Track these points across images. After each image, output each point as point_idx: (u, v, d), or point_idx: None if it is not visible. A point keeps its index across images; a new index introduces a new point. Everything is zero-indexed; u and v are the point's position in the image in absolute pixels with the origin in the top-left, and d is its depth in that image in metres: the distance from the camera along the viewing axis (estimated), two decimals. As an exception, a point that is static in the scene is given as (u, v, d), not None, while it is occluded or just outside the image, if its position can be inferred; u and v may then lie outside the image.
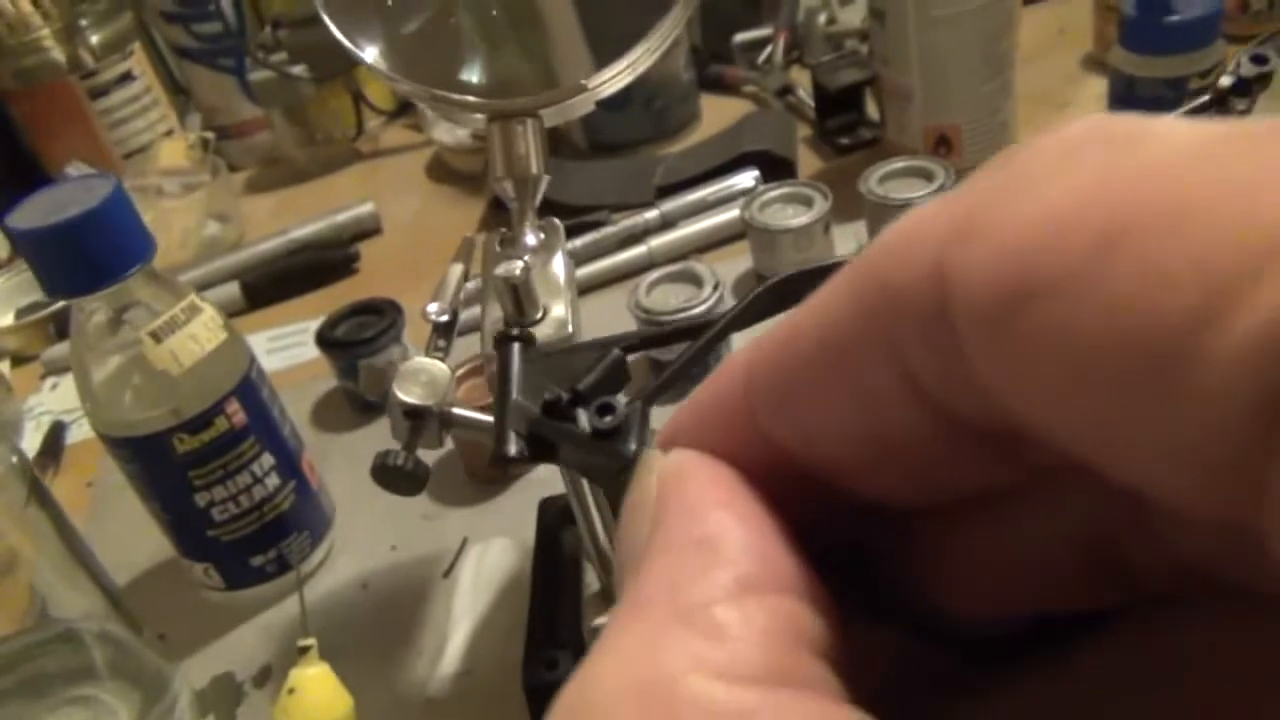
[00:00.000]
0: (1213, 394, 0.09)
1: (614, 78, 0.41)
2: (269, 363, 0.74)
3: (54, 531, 0.45)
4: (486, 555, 0.57)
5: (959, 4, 0.69)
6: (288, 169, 1.04)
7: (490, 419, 0.43)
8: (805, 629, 0.12)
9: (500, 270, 0.36)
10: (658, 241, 0.76)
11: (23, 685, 0.45)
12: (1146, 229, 0.10)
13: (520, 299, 0.37)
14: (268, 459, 0.55)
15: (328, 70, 0.98)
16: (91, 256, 0.47)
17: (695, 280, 0.64)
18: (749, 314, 0.23)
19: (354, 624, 0.56)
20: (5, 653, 0.45)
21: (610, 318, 0.65)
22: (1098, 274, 0.10)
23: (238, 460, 0.53)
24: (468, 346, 0.64)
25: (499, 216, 0.87)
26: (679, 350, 0.26)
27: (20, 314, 0.90)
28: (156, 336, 0.49)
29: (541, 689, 0.45)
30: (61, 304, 0.84)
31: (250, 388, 0.54)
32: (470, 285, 0.47)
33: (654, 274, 0.66)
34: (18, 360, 0.87)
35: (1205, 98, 0.56)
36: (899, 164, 0.67)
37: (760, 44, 0.98)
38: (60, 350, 0.83)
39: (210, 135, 0.98)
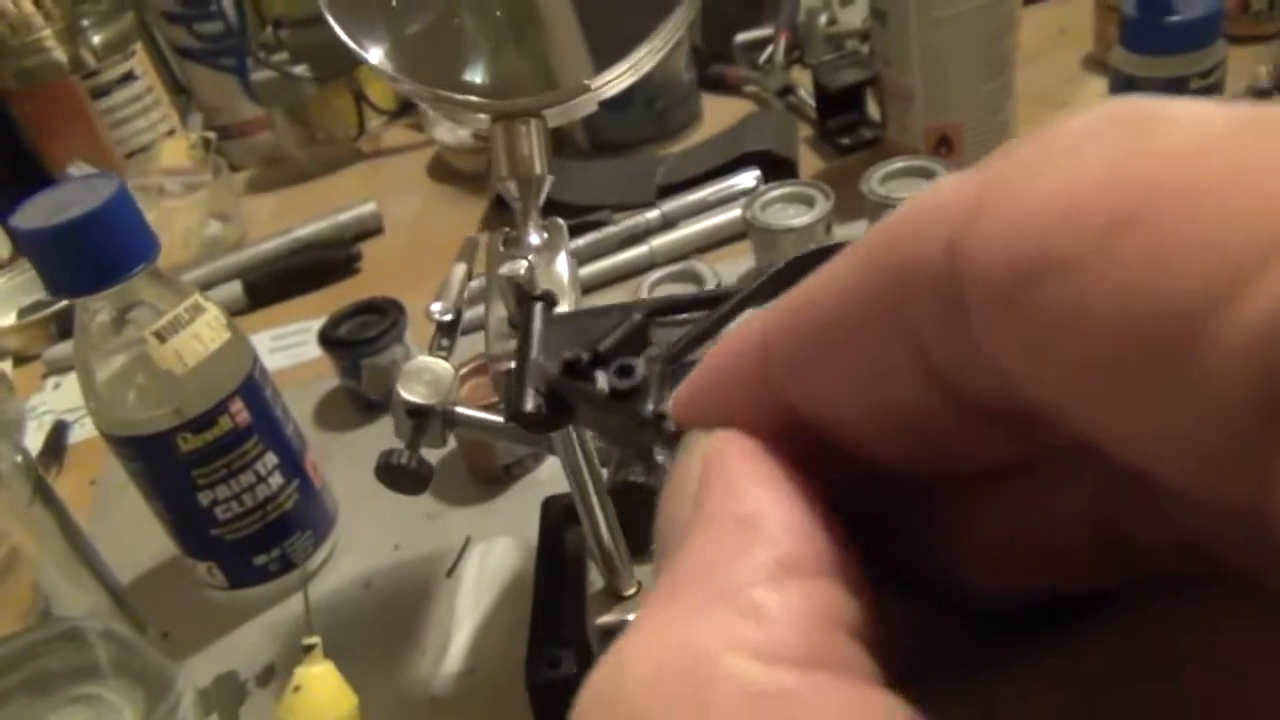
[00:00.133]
0: (1219, 379, 0.09)
1: (617, 78, 0.41)
2: (271, 362, 0.74)
3: (58, 530, 0.45)
4: (489, 554, 0.57)
5: (960, 4, 0.69)
6: (289, 169, 1.04)
7: (494, 419, 0.44)
8: (842, 611, 0.12)
9: (504, 269, 0.36)
10: (659, 241, 0.77)
11: (27, 684, 0.46)
12: (1158, 212, 0.10)
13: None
14: (271, 458, 0.55)
15: (329, 70, 0.98)
16: (95, 256, 0.47)
17: (697, 280, 0.65)
18: (772, 287, 0.23)
19: (357, 623, 0.56)
20: (9, 651, 0.45)
21: (612, 317, 0.65)
22: (1108, 255, 0.10)
23: (241, 459, 0.53)
24: (471, 346, 0.64)
25: (500, 216, 0.87)
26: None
27: (22, 313, 0.90)
28: (160, 336, 0.50)
29: (545, 688, 0.45)
30: (64, 303, 0.84)
31: (254, 387, 0.54)
32: (473, 285, 0.47)
33: (656, 274, 0.66)
34: (20, 360, 0.87)
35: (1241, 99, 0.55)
36: (900, 164, 0.67)
37: (761, 44, 0.98)
38: (62, 350, 0.84)
39: (212, 135, 0.98)
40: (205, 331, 0.51)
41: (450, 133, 0.95)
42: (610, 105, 0.43)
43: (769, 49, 0.97)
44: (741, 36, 0.99)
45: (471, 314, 0.66)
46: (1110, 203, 0.10)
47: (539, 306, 0.30)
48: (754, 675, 0.11)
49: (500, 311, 0.38)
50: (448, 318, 0.44)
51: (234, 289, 0.85)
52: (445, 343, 0.44)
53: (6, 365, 0.85)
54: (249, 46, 1.01)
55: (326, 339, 0.67)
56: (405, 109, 1.07)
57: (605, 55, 0.41)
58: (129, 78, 1.00)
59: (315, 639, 0.47)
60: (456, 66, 0.40)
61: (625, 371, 0.21)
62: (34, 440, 0.76)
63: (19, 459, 0.44)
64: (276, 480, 0.55)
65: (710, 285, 0.63)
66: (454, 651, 0.53)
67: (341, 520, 0.61)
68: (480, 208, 0.90)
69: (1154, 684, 0.13)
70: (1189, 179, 0.10)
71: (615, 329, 0.27)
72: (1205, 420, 0.09)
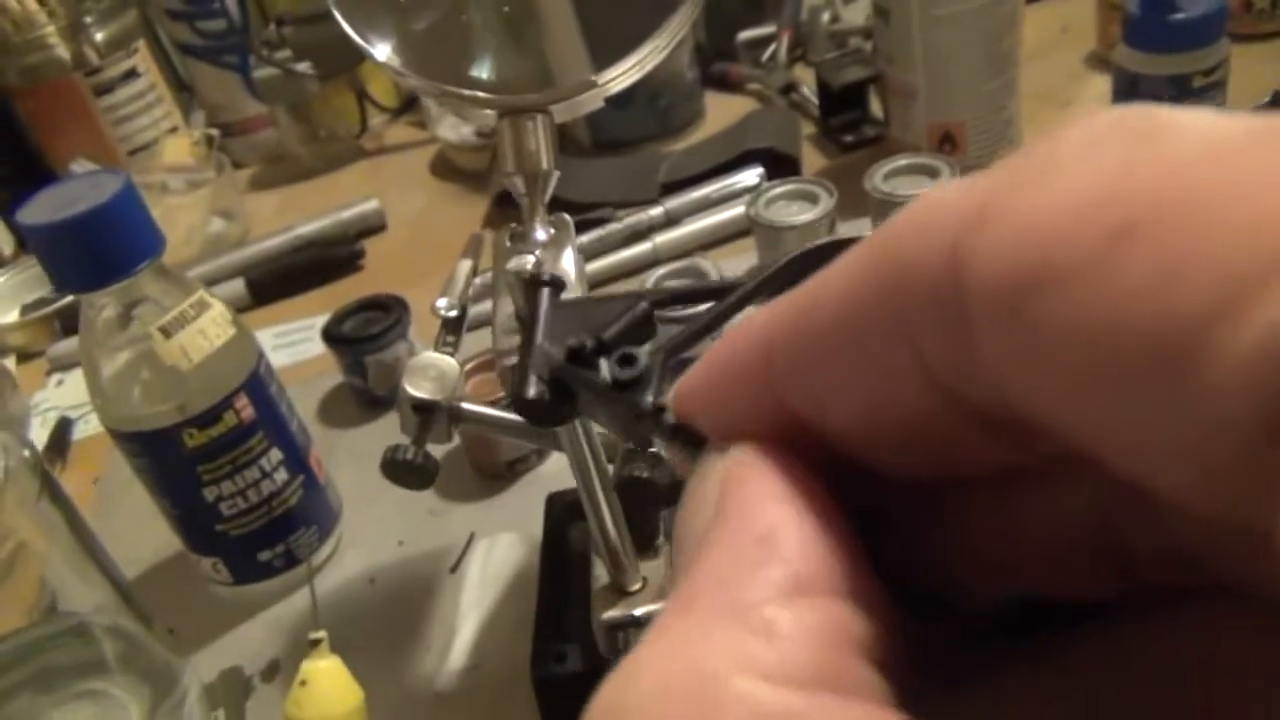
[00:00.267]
0: (1220, 395, 0.09)
1: (623, 74, 0.41)
2: (274, 359, 0.74)
3: (65, 525, 0.45)
4: (494, 550, 0.57)
5: (963, 2, 0.69)
6: (292, 166, 1.04)
7: (500, 415, 0.44)
8: (854, 629, 0.12)
9: (512, 265, 0.36)
10: (662, 238, 0.77)
11: (33, 678, 0.46)
12: (1162, 224, 0.10)
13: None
14: (276, 454, 0.55)
15: (332, 67, 0.98)
16: (101, 252, 0.47)
17: (700, 277, 0.65)
18: (779, 279, 0.23)
19: (361, 619, 0.56)
20: (16, 646, 0.45)
21: (616, 314, 0.65)
22: (1110, 267, 0.10)
23: (246, 455, 0.53)
24: (476, 342, 0.64)
25: (503, 213, 0.88)
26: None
27: (25, 310, 0.91)
28: (166, 332, 0.50)
29: (550, 683, 0.45)
30: (67, 300, 0.84)
31: (259, 383, 0.54)
32: (478, 281, 0.47)
33: (659, 271, 0.66)
34: (23, 357, 0.87)
35: (1265, 100, 0.55)
36: (903, 161, 0.67)
37: (764, 42, 0.98)
38: (66, 346, 0.84)
39: (215, 132, 0.98)
40: (210, 327, 0.51)
41: (453, 130, 0.95)
42: (613, 103, 0.43)
43: (772, 47, 0.97)
44: (744, 34, 1.00)
45: (477, 310, 0.66)
46: (1113, 214, 0.10)
47: (546, 291, 0.30)
48: (762, 697, 0.11)
49: (507, 307, 0.38)
50: (453, 313, 0.44)
51: (237, 286, 0.85)
52: (451, 339, 0.44)
53: (10, 362, 0.85)
54: (252, 44, 1.01)
55: (330, 336, 0.67)
56: (408, 106, 1.07)
57: (611, 52, 0.41)
58: (132, 75, 1.00)
59: (322, 633, 0.47)
60: (463, 62, 0.40)
61: (627, 361, 0.21)
62: (37, 437, 0.76)
63: (26, 454, 0.44)
64: (281, 476, 0.55)
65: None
66: (458, 647, 0.53)
67: (345, 516, 0.61)
68: (483, 205, 0.90)
69: (1153, 693, 0.13)
70: (1193, 190, 0.10)
71: (621, 317, 0.27)
72: (1206, 436, 0.09)
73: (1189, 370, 0.09)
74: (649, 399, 0.21)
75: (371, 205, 0.91)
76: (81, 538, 0.46)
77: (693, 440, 0.15)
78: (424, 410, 0.42)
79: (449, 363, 0.43)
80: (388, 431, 0.67)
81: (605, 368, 0.22)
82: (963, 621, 0.15)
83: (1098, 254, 0.10)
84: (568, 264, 0.39)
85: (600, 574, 0.48)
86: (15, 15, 0.94)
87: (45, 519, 0.44)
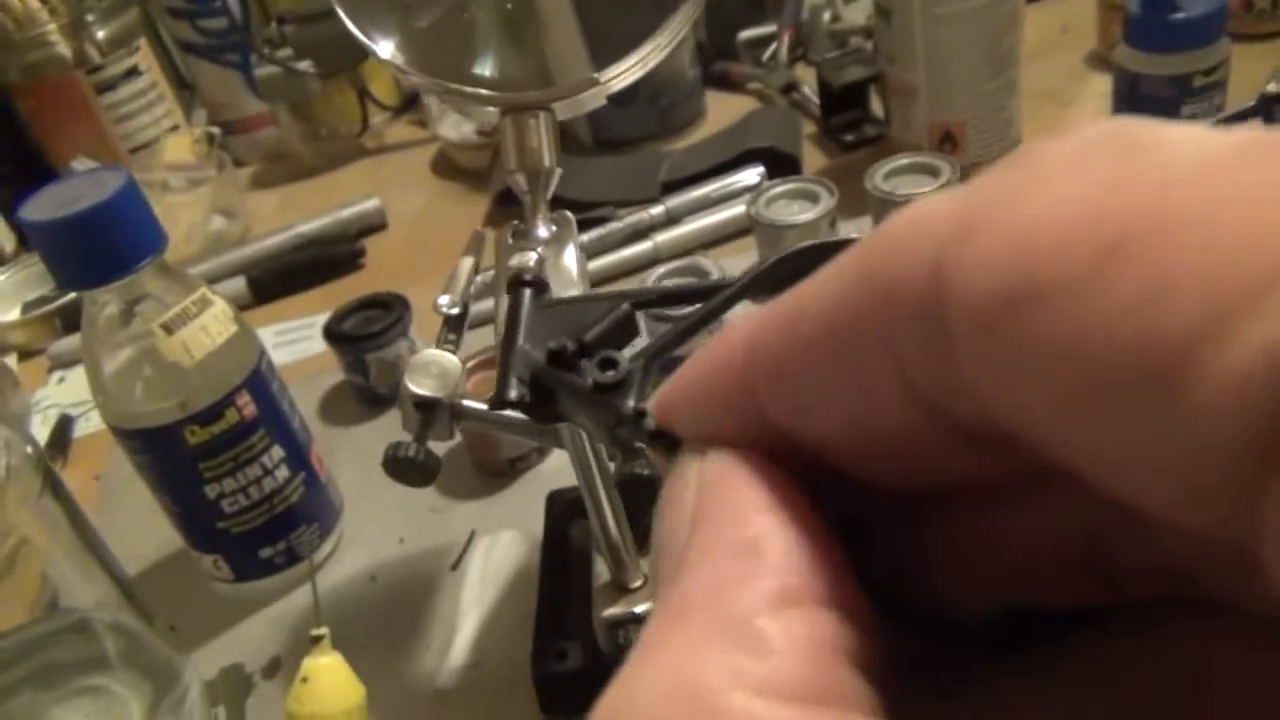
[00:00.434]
0: (1207, 415, 0.09)
1: (625, 72, 0.41)
2: (275, 357, 0.74)
3: (67, 522, 0.45)
4: (494, 548, 0.58)
5: (964, 1, 0.69)
6: (293, 164, 1.04)
7: (501, 412, 0.44)
8: (842, 639, 0.12)
9: (514, 262, 0.36)
10: (663, 237, 0.77)
11: (35, 675, 0.46)
12: (1147, 241, 0.09)
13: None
14: (278, 451, 0.55)
15: (333, 66, 0.98)
16: (104, 249, 0.47)
17: (701, 276, 0.65)
18: (764, 281, 0.23)
19: (362, 616, 0.56)
20: (18, 642, 0.45)
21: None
22: (1095, 285, 0.10)
23: (248, 452, 0.53)
24: (478, 339, 0.64)
25: (504, 212, 0.88)
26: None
27: (27, 308, 0.91)
28: (168, 328, 0.50)
29: (550, 680, 0.46)
30: (68, 298, 0.84)
31: (260, 380, 0.54)
32: (480, 279, 0.48)
33: (660, 269, 0.66)
34: (24, 354, 0.87)
35: (1250, 104, 0.55)
36: (904, 160, 0.67)
37: (765, 41, 0.99)
38: (67, 344, 0.84)
39: (216, 130, 0.98)
40: (212, 324, 0.51)
41: (454, 129, 0.95)
42: (615, 101, 0.43)
43: (773, 46, 0.97)
44: (745, 34, 1.00)
45: (478, 308, 0.66)
46: (1099, 230, 0.10)
47: (527, 293, 0.30)
48: (757, 713, 0.11)
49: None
50: (455, 311, 0.44)
51: (238, 284, 0.85)
52: (452, 336, 0.44)
53: (12, 360, 0.85)
54: (253, 42, 1.01)
55: (331, 334, 0.68)
56: (409, 105, 1.07)
57: (612, 50, 0.41)
58: (133, 73, 1.00)
59: (324, 629, 0.47)
60: (466, 60, 0.40)
61: (608, 365, 0.21)
62: (39, 435, 0.76)
63: (28, 450, 0.44)
64: (283, 473, 0.55)
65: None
66: (459, 645, 0.53)
67: (346, 514, 0.61)
68: (484, 204, 0.90)
69: (1142, 707, 0.12)
70: (1181, 207, 0.09)
71: (603, 319, 0.27)
72: (1193, 456, 0.09)
73: (1177, 390, 0.09)
74: (630, 403, 0.21)
75: (372, 203, 0.91)
76: (83, 534, 0.46)
77: (674, 445, 0.15)
78: (426, 407, 0.42)
79: (451, 360, 0.43)
80: (389, 429, 0.67)
81: (587, 370, 0.22)
82: (950, 631, 0.15)
83: (1084, 271, 0.10)
84: (569, 261, 0.39)
85: (601, 571, 0.48)
86: (16, 13, 0.94)
87: (47, 516, 0.45)
